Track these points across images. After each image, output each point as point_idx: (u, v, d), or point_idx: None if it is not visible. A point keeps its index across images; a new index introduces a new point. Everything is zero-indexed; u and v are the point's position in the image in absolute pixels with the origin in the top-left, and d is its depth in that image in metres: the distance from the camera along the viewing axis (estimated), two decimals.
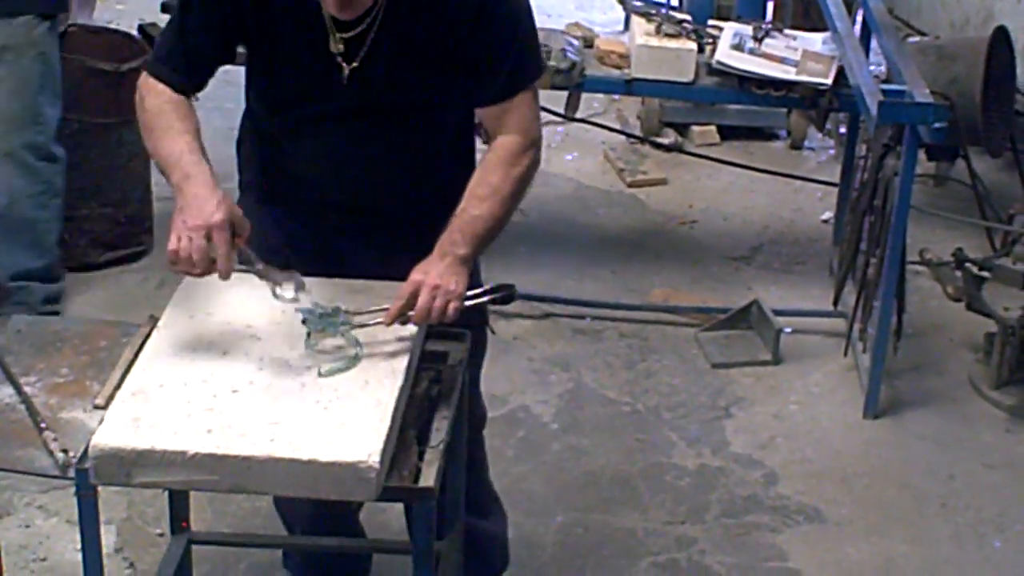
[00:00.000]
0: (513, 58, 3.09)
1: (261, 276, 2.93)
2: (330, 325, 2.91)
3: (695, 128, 6.92)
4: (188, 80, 3.10)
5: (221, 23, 3.07)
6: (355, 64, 3.06)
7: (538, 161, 3.15)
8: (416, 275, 2.92)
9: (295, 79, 3.13)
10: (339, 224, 3.31)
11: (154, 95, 3.07)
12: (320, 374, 2.85)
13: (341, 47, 3.04)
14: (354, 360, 2.89)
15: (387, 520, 3.94)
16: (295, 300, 2.92)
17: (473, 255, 3.00)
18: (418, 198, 3.26)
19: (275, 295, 2.93)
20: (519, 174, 3.09)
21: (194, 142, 2.97)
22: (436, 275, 2.91)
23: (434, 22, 3.03)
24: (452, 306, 2.92)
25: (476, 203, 3.03)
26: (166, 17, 5.40)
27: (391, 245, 3.25)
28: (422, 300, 2.89)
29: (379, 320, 2.93)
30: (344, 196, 3.26)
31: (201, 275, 2.85)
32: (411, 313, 2.91)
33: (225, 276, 2.84)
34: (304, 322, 2.90)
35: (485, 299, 3.05)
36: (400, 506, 3.66)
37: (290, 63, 3.11)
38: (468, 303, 2.97)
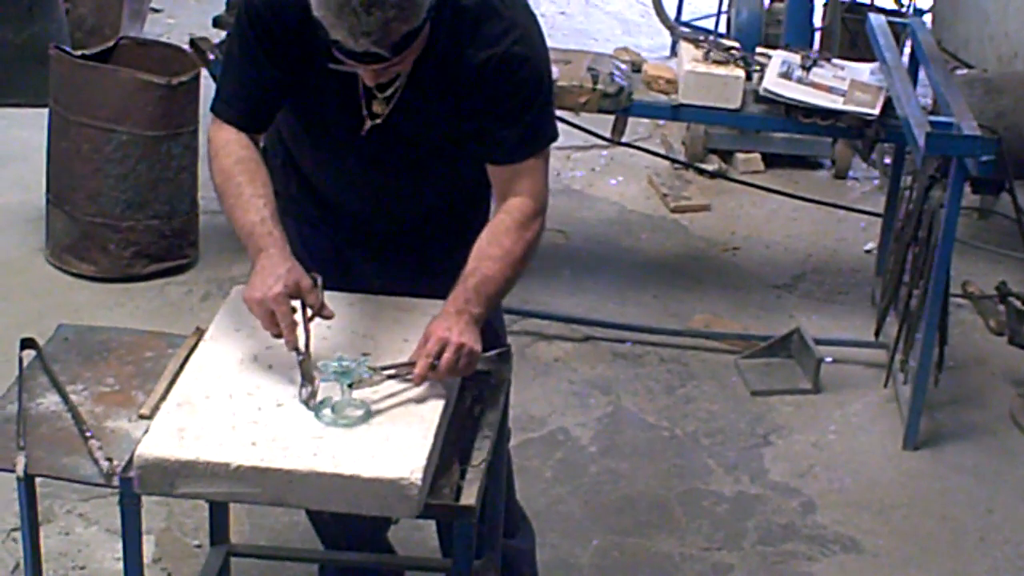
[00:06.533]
0: (528, 121, 3.10)
1: (301, 367, 2.90)
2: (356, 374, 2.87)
3: (739, 155, 6.92)
4: (253, 119, 3.15)
5: (276, 61, 3.07)
6: (377, 121, 3.11)
7: (543, 228, 3.16)
8: (441, 332, 2.93)
9: (322, 120, 3.18)
10: (350, 236, 3.37)
11: (224, 154, 3.10)
12: (319, 419, 2.82)
13: (382, 108, 3.08)
14: (363, 419, 2.83)
15: (423, 538, 3.94)
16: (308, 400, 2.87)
17: (485, 315, 3.02)
18: (425, 226, 3.35)
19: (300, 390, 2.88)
20: (530, 238, 3.10)
21: (264, 208, 3.02)
22: (459, 333, 2.93)
23: (454, 85, 3.06)
24: (472, 365, 2.97)
25: (489, 264, 3.03)
26: (217, 31, 5.48)
27: (395, 260, 3.37)
28: (448, 357, 2.90)
29: (408, 376, 2.91)
30: (356, 216, 3.34)
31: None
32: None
33: (291, 347, 2.90)
34: (339, 374, 2.85)
35: (492, 354, 3.15)
36: (432, 523, 3.67)
37: (321, 108, 3.15)
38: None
